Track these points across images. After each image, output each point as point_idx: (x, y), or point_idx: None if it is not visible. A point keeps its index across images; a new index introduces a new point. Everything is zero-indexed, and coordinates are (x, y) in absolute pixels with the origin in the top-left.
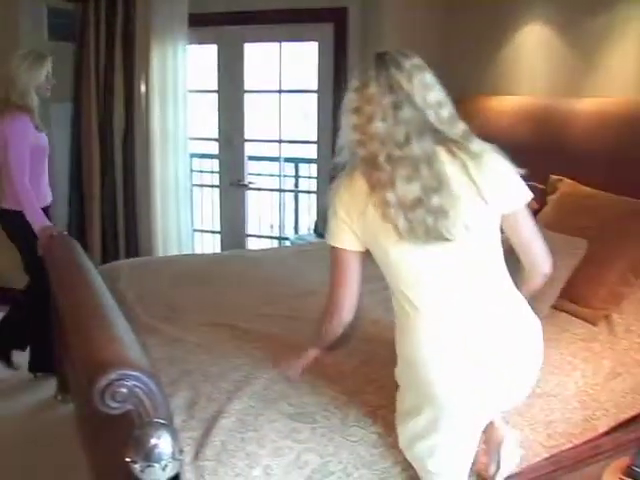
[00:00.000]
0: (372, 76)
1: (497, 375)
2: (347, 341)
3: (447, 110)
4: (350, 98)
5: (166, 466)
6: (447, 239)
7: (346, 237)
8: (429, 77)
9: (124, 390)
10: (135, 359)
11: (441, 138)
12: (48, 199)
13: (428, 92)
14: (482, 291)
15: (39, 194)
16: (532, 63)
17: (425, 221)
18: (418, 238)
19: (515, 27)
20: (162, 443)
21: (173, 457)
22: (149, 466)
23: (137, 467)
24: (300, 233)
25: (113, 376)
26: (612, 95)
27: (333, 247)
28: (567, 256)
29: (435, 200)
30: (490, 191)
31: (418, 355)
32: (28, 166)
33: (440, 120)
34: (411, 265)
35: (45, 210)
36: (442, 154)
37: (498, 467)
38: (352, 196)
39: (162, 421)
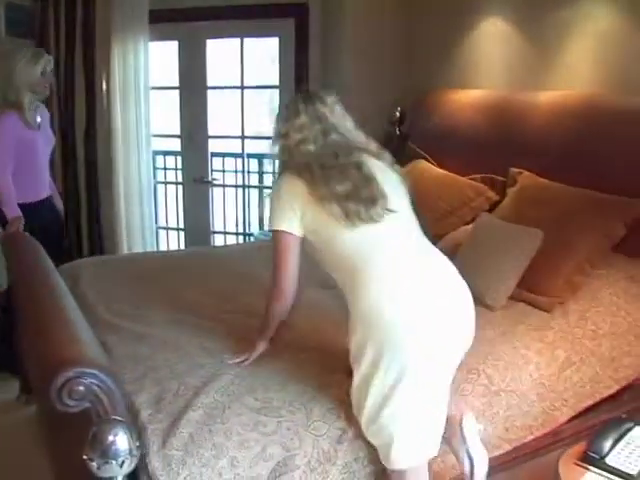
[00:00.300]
0: (302, 109)
1: (449, 309)
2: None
3: (359, 132)
4: (280, 126)
5: (123, 462)
6: (376, 221)
7: (289, 222)
8: (342, 109)
9: (81, 388)
10: (93, 357)
11: (364, 150)
12: (41, 194)
13: (346, 121)
14: (419, 245)
15: (25, 188)
16: (492, 57)
17: (358, 209)
18: (354, 222)
19: (475, 21)
20: (119, 440)
21: (130, 453)
22: (106, 463)
23: (94, 464)
24: (265, 229)
25: (70, 374)
26: (570, 88)
27: (277, 231)
28: (523, 247)
29: (364, 192)
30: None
31: (377, 303)
32: (12, 161)
33: (359, 140)
34: (360, 241)
35: (42, 202)
36: (369, 160)
37: (472, 464)
38: (294, 193)
39: (119, 418)
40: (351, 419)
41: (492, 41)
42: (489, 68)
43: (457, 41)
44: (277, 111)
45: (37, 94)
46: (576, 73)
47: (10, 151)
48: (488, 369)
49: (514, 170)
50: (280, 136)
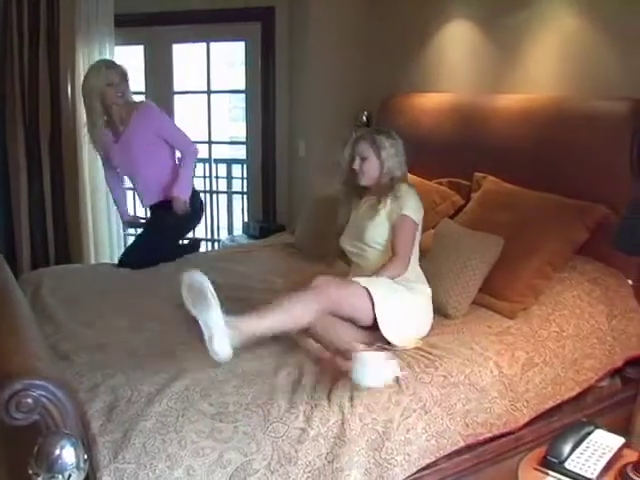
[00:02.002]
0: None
1: None
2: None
3: None
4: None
5: (70, 476)
6: None
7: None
8: None
9: (29, 400)
10: (42, 368)
11: None
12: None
13: None
14: None
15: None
16: (457, 60)
17: None
18: None
19: (440, 24)
20: (65, 453)
21: (77, 467)
22: (52, 478)
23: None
24: (234, 234)
25: (17, 386)
26: (534, 91)
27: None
28: (484, 254)
29: None
30: None
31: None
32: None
33: None
34: None
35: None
36: None
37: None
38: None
39: (65, 431)
40: (310, 417)
41: (456, 44)
42: (454, 71)
43: (422, 44)
44: None
45: (108, 102)
46: (540, 75)
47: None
48: (445, 364)
49: (478, 175)
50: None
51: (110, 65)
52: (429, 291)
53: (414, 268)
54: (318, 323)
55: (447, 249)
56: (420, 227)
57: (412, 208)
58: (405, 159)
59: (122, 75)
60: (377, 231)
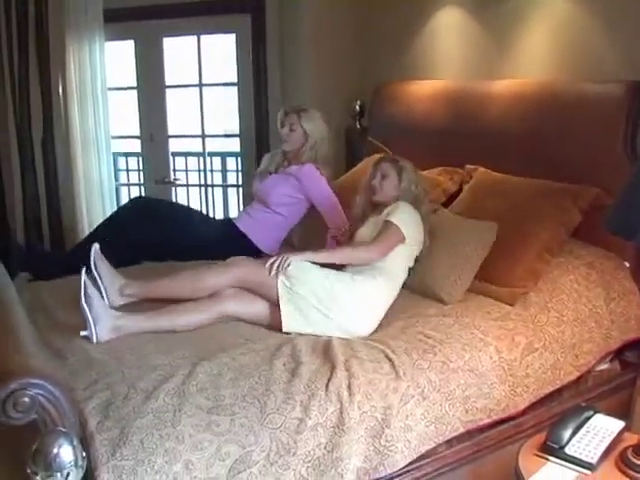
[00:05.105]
0: None
1: None
2: None
3: None
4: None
5: (68, 474)
6: None
7: None
8: None
9: (26, 399)
10: (39, 367)
11: None
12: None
13: None
14: None
15: None
16: (448, 47)
17: None
18: None
19: (431, 11)
20: (63, 451)
21: (75, 464)
22: (50, 476)
23: (38, 478)
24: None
25: (14, 386)
26: (527, 77)
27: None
28: (478, 240)
29: None
30: None
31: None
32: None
33: None
34: None
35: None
36: None
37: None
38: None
39: (62, 429)
40: (308, 407)
41: (448, 31)
42: (446, 58)
43: (414, 31)
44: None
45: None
46: (533, 60)
47: None
48: (444, 349)
49: (470, 167)
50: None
51: None
52: (393, 291)
53: (388, 265)
54: (230, 299)
55: (441, 237)
56: (409, 242)
57: (401, 219)
58: (425, 193)
59: None
60: (364, 232)
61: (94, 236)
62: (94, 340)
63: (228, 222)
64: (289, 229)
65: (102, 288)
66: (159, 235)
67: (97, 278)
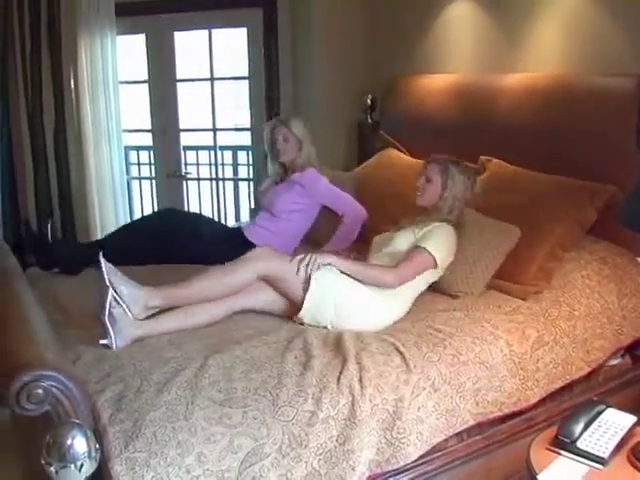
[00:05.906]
0: None
1: None
2: None
3: None
4: None
5: (82, 466)
6: None
7: None
8: None
9: (40, 391)
10: (52, 359)
11: None
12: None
13: None
14: None
15: None
16: (460, 41)
17: None
18: None
19: (442, 5)
20: (77, 442)
21: (89, 456)
22: (64, 467)
23: (52, 469)
24: (241, 221)
25: (28, 377)
26: (538, 70)
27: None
28: (501, 245)
29: None
30: None
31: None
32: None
33: None
34: None
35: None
36: None
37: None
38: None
39: (76, 420)
40: (320, 400)
41: (459, 24)
42: (457, 52)
43: (425, 25)
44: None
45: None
46: (545, 54)
47: None
48: (455, 342)
49: (483, 158)
50: None
51: None
52: (406, 307)
53: (404, 291)
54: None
55: (464, 236)
56: (440, 267)
57: (437, 246)
58: (464, 204)
59: None
60: (402, 240)
61: (115, 237)
62: (114, 348)
63: (239, 233)
64: (301, 235)
65: (124, 306)
66: (173, 248)
67: (117, 298)
